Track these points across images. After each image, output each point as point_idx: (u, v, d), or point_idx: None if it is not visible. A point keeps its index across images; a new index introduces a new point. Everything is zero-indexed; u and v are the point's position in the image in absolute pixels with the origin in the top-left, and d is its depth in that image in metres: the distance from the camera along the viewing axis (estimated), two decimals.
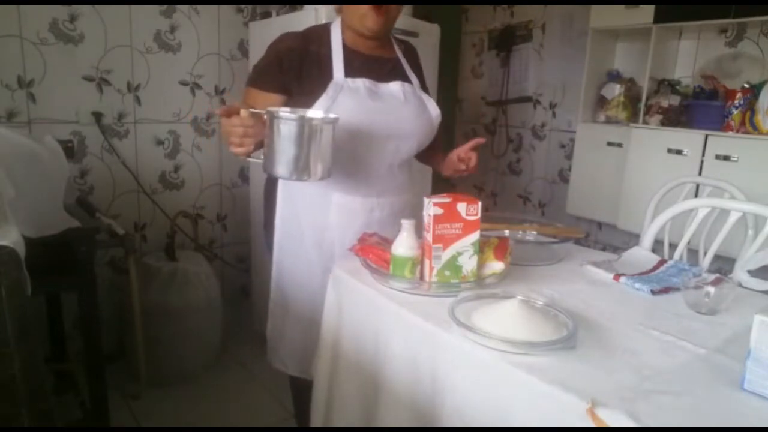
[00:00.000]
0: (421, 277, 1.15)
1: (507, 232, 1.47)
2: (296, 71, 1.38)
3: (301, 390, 1.59)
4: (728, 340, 0.96)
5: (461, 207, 1.10)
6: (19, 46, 2.08)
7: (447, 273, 1.13)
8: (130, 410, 2.11)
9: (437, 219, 1.10)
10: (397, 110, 1.44)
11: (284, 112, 1.18)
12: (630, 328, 0.99)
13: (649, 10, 2.23)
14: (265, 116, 1.17)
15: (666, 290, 1.19)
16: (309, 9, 2.05)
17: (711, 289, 1.07)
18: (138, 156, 2.43)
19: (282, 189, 1.50)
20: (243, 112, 1.18)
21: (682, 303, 1.11)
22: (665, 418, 0.71)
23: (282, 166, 1.17)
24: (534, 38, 2.97)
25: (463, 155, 1.48)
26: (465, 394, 0.92)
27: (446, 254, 1.12)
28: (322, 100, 1.35)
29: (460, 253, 1.12)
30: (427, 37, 2.34)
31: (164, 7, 2.38)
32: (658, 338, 0.95)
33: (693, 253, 1.77)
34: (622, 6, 2.32)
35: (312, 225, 1.47)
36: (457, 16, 3.32)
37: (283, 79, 1.38)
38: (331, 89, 1.36)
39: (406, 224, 1.14)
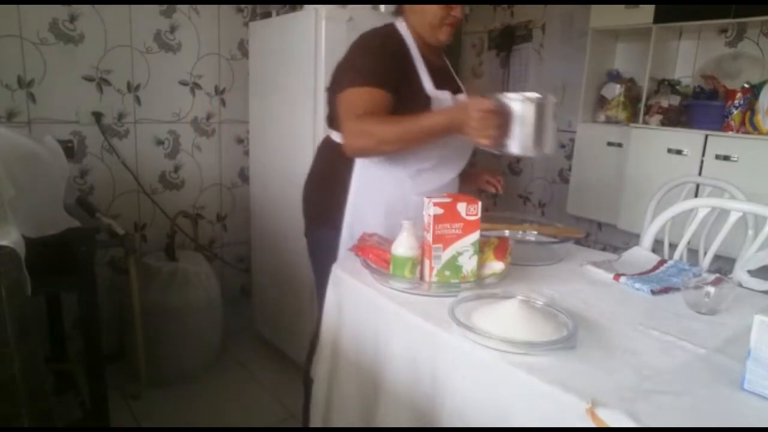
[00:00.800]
0: (421, 277, 1.15)
1: (507, 232, 1.47)
2: (400, 73, 1.38)
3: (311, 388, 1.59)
4: (728, 340, 0.96)
5: (461, 207, 1.10)
6: (19, 46, 2.08)
7: (447, 273, 1.13)
8: (130, 410, 2.11)
9: (437, 219, 1.10)
10: None
11: (513, 95, 1.21)
12: (630, 328, 0.99)
13: (649, 10, 2.23)
14: (503, 101, 1.19)
15: (666, 290, 1.19)
16: (309, 9, 2.05)
17: (711, 289, 1.07)
18: (138, 156, 2.43)
19: (355, 196, 1.46)
20: (490, 104, 1.17)
21: (682, 303, 1.11)
22: (665, 418, 0.71)
23: (525, 144, 1.20)
24: (534, 38, 2.97)
25: (494, 181, 1.61)
26: (465, 394, 0.92)
27: (446, 254, 1.12)
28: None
29: (460, 253, 1.12)
30: None
31: (164, 7, 2.38)
32: (658, 338, 0.95)
33: (693, 253, 1.77)
34: (622, 6, 2.32)
35: (392, 226, 1.41)
36: None
37: (394, 78, 1.35)
38: (433, 103, 1.39)
39: (406, 224, 1.14)
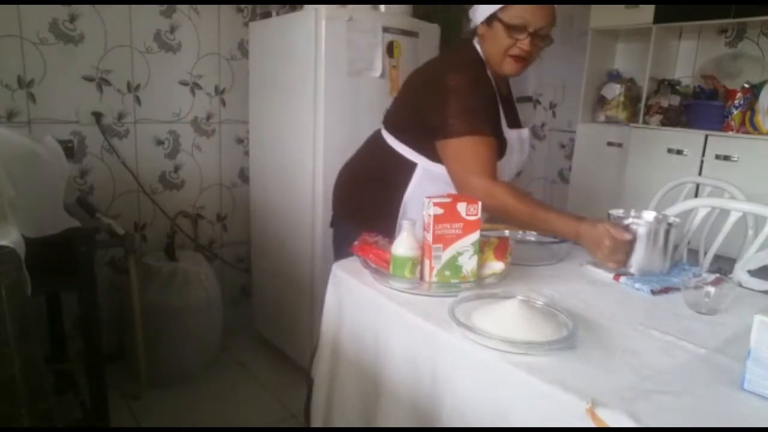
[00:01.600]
0: (421, 277, 1.15)
1: (507, 232, 1.47)
2: (493, 116, 1.38)
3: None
4: (728, 340, 0.96)
5: (461, 207, 1.11)
6: (19, 46, 2.08)
7: (447, 273, 1.13)
8: (130, 410, 2.11)
9: (437, 219, 1.10)
10: (517, 153, 1.50)
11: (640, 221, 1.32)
12: (630, 328, 0.99)
13: (649, 10, 2.23)
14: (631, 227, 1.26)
15: (666, 290, 1.19)
16: (309, 9, 2.05)
17: (711, 289, 1.07)
18: (138, 156, 2.43)
19: (407, 205, 1.46)
20: (626, 236, 1.22)
21: (682, 303, 1.11)
22: (665, 418, 0.71)
23: (643, 265, 1.27)
24: None
25: None
26: (465, 394, 0.92)
27: (446, 254, 1.12)
28: (504, 158, 1.39)
29: (460, 253, 1.12)
30: (427, 37, 2.34)
31: (164, 7, 2.38)
32: (658, 338, 0.95)
33: (693, 253, 1.77)
34: (622, 6, 2.32)
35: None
36: (457, 16, 3.32)
37: (493, 122, 1.35)
38: (508, 146, 1.40)
39: (406, 224, 1.14)
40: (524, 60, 1.36)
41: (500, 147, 1.38)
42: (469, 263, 1.13)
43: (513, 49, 1.35)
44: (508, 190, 1.29)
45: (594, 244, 1.23)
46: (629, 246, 1.23)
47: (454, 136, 1.32)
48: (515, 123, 1.46)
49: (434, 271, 1.12)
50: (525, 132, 1.51)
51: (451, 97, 1.33)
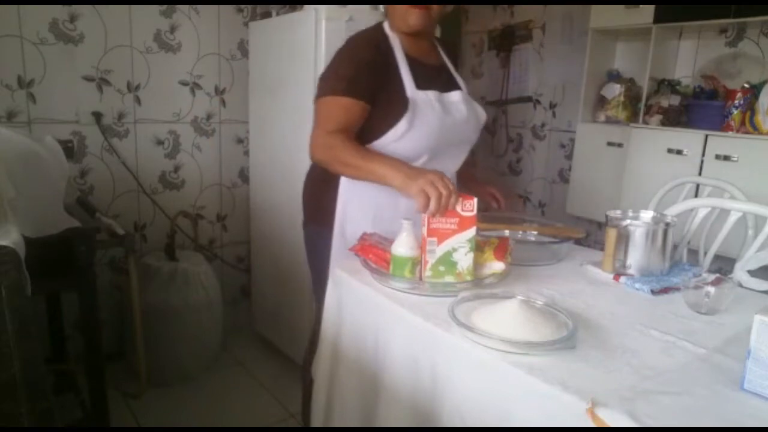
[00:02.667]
0: (420, 277, 1.15)
1: (507, 232, 1.47)
2: (379, 81, 1.38)
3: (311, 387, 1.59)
4: (728, 340, 0.96)
5: (457, 203, 1.11)
6: (19, 46, 2.08)
7: (441, 269, 1.12)
8: (130, 410, 2.11)
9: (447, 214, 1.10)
10: (461, 120, 1.47)
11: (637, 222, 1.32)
12: (630, 328, 0.99)
13: (649, 10, 2.23)
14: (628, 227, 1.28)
15: (666, 290, 1.19)
16: (309, 9, 2.05)
17: (711, 289, 1.07)
18: (138, 156, 2.43)
19: (344, 192, 1.47)
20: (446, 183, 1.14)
21: (682, 303, 1.11)
22: (665, 418, 0.71)
23: (642, 265, 1.27)
24: (534, 38, 2.97)
25: (498, 195, 1.61)
26: (465, 394, 0.92)
27: (441, 249, 1.12)
28: (407, 118, 1.36)
29: (455, 249, 1.12)
30: None
31: (164, 7, 2.38)
32: (658, 338, 0.95)
33: (693, 253, 1.77)
34: (622, 6, 2.32)
35: (381, 227, 1.42)
36: (457, 16, 3.32)
37: (371, 88, 1.36)
38: (411, 105, 1.38)
39: (406, 224, 1.14)
40: (425, 9, 1.38)
41: (401, 106, 1.37)
42: (464, 260, 1.12)
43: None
44: (344, 141, 1.30)
45: (410, 186, 1.17)
46: (444, 193, 1.13)
47: (319, 98, 1.39)
48: (437, 87, 1.44)
49: (428, 266, 1.12)
50: (454, 94, 1.48)
51: (328, 68, 1.44)
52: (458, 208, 1.11)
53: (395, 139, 1.37)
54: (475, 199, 1.11)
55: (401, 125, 1.36)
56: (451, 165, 1.53)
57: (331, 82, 1.38)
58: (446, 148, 1.48)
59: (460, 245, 1.12)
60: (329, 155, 1.34)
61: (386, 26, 1.47)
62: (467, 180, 1.68)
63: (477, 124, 1.55)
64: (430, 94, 1.41)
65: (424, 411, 0.99)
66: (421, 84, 1.41)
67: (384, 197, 1.44)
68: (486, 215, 1.53)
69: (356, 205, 1.47)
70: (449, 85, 1.51)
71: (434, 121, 1.39)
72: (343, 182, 1.46)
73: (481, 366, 0.89)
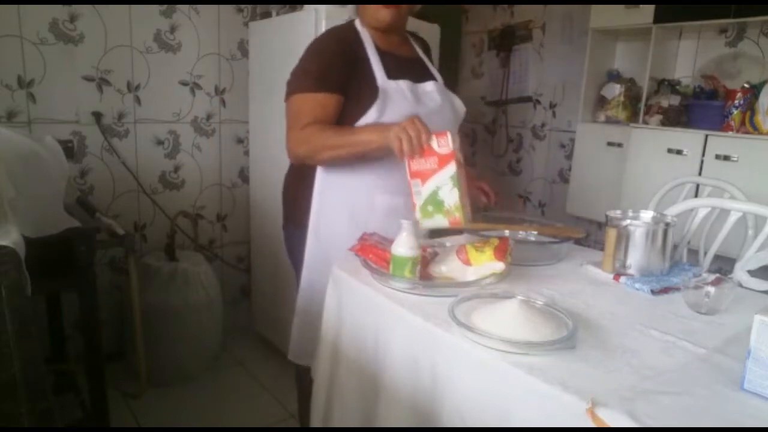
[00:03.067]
0: (420, 276, 1.14)
1: (507, 232, 1.47)
2: (349, 72, 1.39)
3: (308, 387, 1.59)
4: (728, 340, 0.96)
5: (432, 142, 1.12)
6: (19, 46, 2.08)
7: (430, 208, 1.14)
8: (130, 410, 2.11)
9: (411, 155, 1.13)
10: (436, 110, 1.46)
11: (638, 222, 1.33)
12: (630, 328, 0.99)
13: (649, 10, 2.23)
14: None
15: (666, 290, 1.19)
16: (309, 9, 2.05)
17: (711, 289, 1.07)
18: (138, 156, 2.43)
19: (319, 188, 1.47)
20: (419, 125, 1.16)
21: (682, 303, 1.11)
22: (665, 418, 0.71)
23: (642, 265, 1.27)
24: (534, 38, 2.97)
25: (490, 192, 1.58)
26: (465, 394, 0.92)
27: (426, 189, 1.13)
28: (377, 106, 1.36)
29: (439, 188, 1.13)
30: (427, 37, 2.33)
31: (164, 7, 2.38)
32: (658, 338, 0.95)
33: (693, 253, 1.77)
34: (622, 6, 2.32)
35: (355, 226, 1.42)
36: (457, 16, 3.32)
37: (342, 81, 1.37)
38: (381, 94, 1.37)
39: (406, 224, 1.14)
40: (393, 6, 1.40)
41: (371, 96, 1.38)
42: (450, 197, 1.13)
43: None
44: (320, 128, 1.32)
45: (390, 137, 1.19)
46: (421, 133, 1.16)
47: (289, 97, 1.40)
48: (410, 77, 1.44)
49: (417, 208, 1.13)
50: (428, 85, 1.48)
51: (296, 67, 1.43)
52: (435, 146, 1.12)
53: (370, 123, 1.37)
54: (449, 134, 1.12)
55: (371, 113, 1.36)
56: None
57: (300, 80, 1.40)
58: None
59: (443, 183, 1.13)
60: (309, 147, 1.35)
61: (357, 23, 1.49)
62: None
63: (455, 116, 1.54)
64: (402, 84, 1.41)
65: (424, 411, 0.99)
66: (392, 74, 1.42)
67: (359, 197, 1.45)
68: (486, 215, 1.53)
69: (331, 206, 1.48)
70: (423, 77, 1.51)
71: (406, 109, 1.38)
72: (318, 182, 1.47)
73: (481, 366, 0.89)
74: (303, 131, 1.34)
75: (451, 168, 1.12)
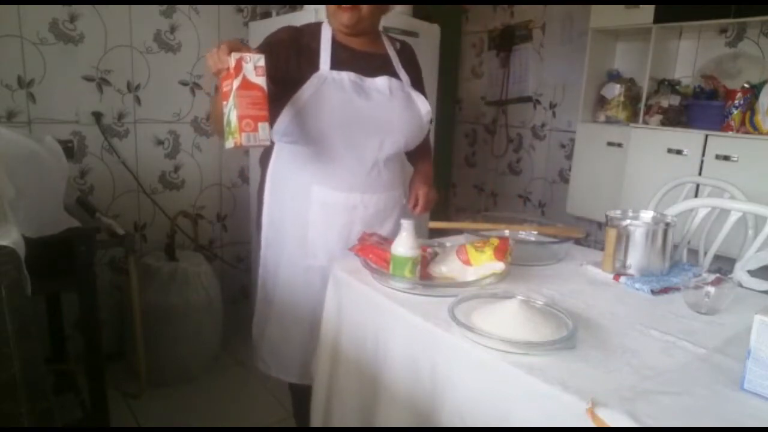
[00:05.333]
0: (420, 276, 1.14)
1: (507, 232, 1.47)
2: (284, 61, 1.38)
3: (296, 391, 1.60)
4: (728, 340, 0.96)
5: (231, 63, 1.14)
6: (19, 46, 2.08)
7: (227, 129, 1.17)
8: (130, 410, 2.11)
9: (221, 78, 1.16)
10: (382, 105, 1.43)
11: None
12: (630, 328, 0.99)
13: (649, 10, 2.23)
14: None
15: (666, 290, 1.19)
16: (309, 9, 2.05)
17: (711, 289, 1.07)
18: (138, 156, 2.43)
19: (269, 185, 1.50)
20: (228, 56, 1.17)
21: (682, 303, 1.11)
22: (665, 418, 0.71)
23: (642, 265, 1.28)
24: (534, 38, 2.97)
25: (419, 199, 1.55)
26: (465, 394, 0.92)
27: (226, 110, 1.16)
28: (305, 89, 1.36)
29: (230, 109, 1.15)
30: (427, 37, 2.34)
31: (164, 7, 2.38)
32: (658, 338, 0.96)
33: (693, 253, 1.77)
34: (622, 6, 2.32)
35: (294, 221, 1.46)
36: (457, 16, 3.33)
37: (270, 67, 1.33)
38: (315, 79, 1.37)
39: (406, 224, 1.14)
40: (351, 9, 1.39)
41: (305, 82, 1.38)
42: (232, 118, 1.15)
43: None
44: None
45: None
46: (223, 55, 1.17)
47: None
48: (356, 69, 1.43)
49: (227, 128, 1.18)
50: (378, 80, 1.45)
51: None
52: (231, 67, 1.13)
53: (298, 109, 1.36)
54: (233, 55, 1.13)
55: (300, 95, 1.36)
56: (376, 154, 1.45)
57: None
58: (367, 136, 1.43)
59: (231, 104, 1.14)
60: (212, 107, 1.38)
61: (325, 22, 1.48)
62: (415, 171, 1.66)
63: (414, 117, 1.49)
64: (344, 74, 1.40)
65: (424, 411, 0.99)
66: (338, 65, 1.41)
67: (300, 190, 1.45)
68: (486, 215, 1.53)
69: (277, 202, 1.50)
70: (379, 72, 1.47)
71: (340, 98, 1.37)
72: (268, 181, 1.49)
73: (481, 366, 0.89)
74: None
75: (234, 87, 1.13)
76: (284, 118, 1.38)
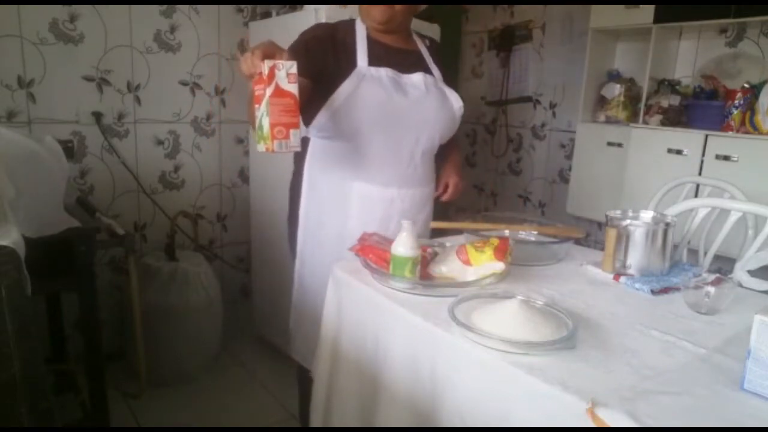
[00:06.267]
0: (420, 276, 1.14)
1: (507, 232, 1.47)
2: (321, 58, 1.40)
3: (309, 387, 1.60)
4: (728, 340, 0.96)
5: (264, 68, 1.15)
6: (19, 46, 2.08)
7: (258, 134, 1.19)
8: (130, 410, 2.11)
9: (254, 81, 1.19)
10: (419, 101, 1.47)
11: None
12: (630, 328, 0.99)
13: (649, 10, 2.23)
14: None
15: (666, 290, 1.19)
16: (309, 9, 2.05)
17: (711, 289, 1.07)
18: (138, 156, 2.43)
19: (307, 180, 1.53)
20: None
21: (682, 303, 1.11)
22: (665, 418, 0.71)
23: (641, 265, 1.28)
24: (534, 38, 2.97)
25: (448, 187, 1.62)
26: (465, 394, 0.92)
27: (258, 114, 1.18)
28: (345, 86, 1.38)
29: (263, 114, 1.17)
30: None
31: (164, 7, 2.38)
32: (658, 338, 0.95)
33: (693, 253, 1.77)
34: (622, 6, 2.31)
35: (334, 215, 1.50)
36: (457, 16, 3.32)
37: (308, 65, 1.38)
38: (354, 76, 1.39)
39: (406, 224, 1.14)
40: (384, 6, 1.42)
41: (344, 78, 1.40)
42: (265, 125, 1.17)
43: None
44: None
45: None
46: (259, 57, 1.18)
47: None
48: (392, 66, 1.45)
49: (256, 128, 1.21)
50: (415, 76, 1.49)
51: None
52: (264, 73, 1.15)
53: (338, 105, 1.38)
54: (266, 62, 1.14)
55: (340, 92, 1.38)
56: (413, 149, 1.50)
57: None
58: (405, 131, 1.47)
59: (264, 110, 1.17)
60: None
61: (359, 19, 1.52)
62: (444, 161, 1.70)
63: (448, 112, 1.54)
64: (382, 71, 1.43)
65: (424, 411, 0.99)
66: (376, 62, 1.44)
67: (339, 185, 1.48)
68: (486, 215, 1.53)
69: (316, 197, 1.52)
70: (414, 68, 1.51)
71: (379, 95, 1.40)
72: (306, 175, 1.52)
73: (481, 366, 0.89)
74: None
75: (267, 94, 1.16)
76: (323, 114, 1.41)
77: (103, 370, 1.71)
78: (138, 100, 2.39)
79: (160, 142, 2.48)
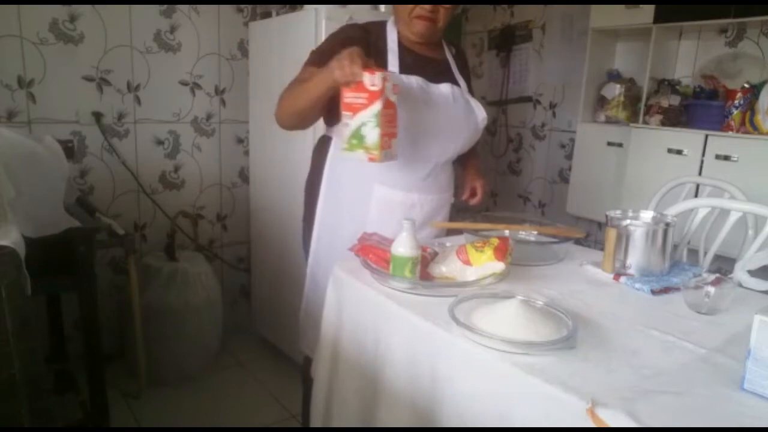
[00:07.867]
0: (419, 276, 1.14)
1: (507, 232, 1.47)
2: None
3: (309, 390, 1.59)
4: (728, 340, 0.96)
5: (366, 78, 1.15)
6: (19, 46, 2.08)
7: (354, 142, 1.19)
8: (130, 410, 2.11)
9: (346, 88, 1.17)
10: (446, 111, 1.48)
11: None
12: (630, 328, 0.99)
13: (649, 10, 2.23)
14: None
15: (666, 290, 1.19)
16: (309, 9, 2.05)
17: (711, 289, 1.07)
18: (138, 156, 2.43)
19: (327, 180, 1.53)
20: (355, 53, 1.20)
21: (682, 303, 1.11)
22: (665, 418, 0.71)
23: (642, 265, 1.28)
24: (534, 38, 2.97)
25: (477, 192, 1.65)
26: (465, 394, 0.92)
27: (354, 123, 1.18)
28: None
29: (364, 124, 1.17)
30: None
31: (164, 7, 2.38)
32: (658, 338, 0.95)
33: (693, 253, 1.77)
34: (622, 6, 2.32)
35: (352, 217, 1.49)
36: (457, 16, 3.32)
37: None
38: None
39: (406, 224, 1.14)
40: (430, 20, 1.43)
41: None
42: (372, 134, 1.17)
43: (415, 11, 1.42)
44: (288, 86, 1.39)
45: (331, 68, 1.22)
46: (358, 61, 1.19)
47: None
48: (422, 74, 1.45)
49: (344, 139, 1.19)
50: (443, 86, 1.49)
51: None
52: (366, 82, 1.15)
53: None
54: (379, 74, 1.15)
55: None
56: (437, 158, 1.52)
57: (310, 56, 1.45)
58: (431, 139, 1.48)
59: (368, 119, 1.17)
60: (280, 104, 1.41)
61: (390, 22, 1.51)
62: (467, 166, 1.73)
63: (473, 123, 1.55)
64: (413, 79, 1.43)
65: (424, 411, 0.99)
66: (406, 70, 1.44)
67: (360, 188, 1.48)
68: (486, 215, 1.53)
69: (335, 199, 1.52)
70: (442, 78, 1.52)
71: (408, 102, 1.39)
72: (326, 176, 1.52)
73: (481, 366, 0.89)
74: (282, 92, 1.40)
75: (377, 106, 1.16)
76: None
77: (103, 370, 1.71)
78: (138, 100, 2.39)
79: (160, 142, 2.48)
